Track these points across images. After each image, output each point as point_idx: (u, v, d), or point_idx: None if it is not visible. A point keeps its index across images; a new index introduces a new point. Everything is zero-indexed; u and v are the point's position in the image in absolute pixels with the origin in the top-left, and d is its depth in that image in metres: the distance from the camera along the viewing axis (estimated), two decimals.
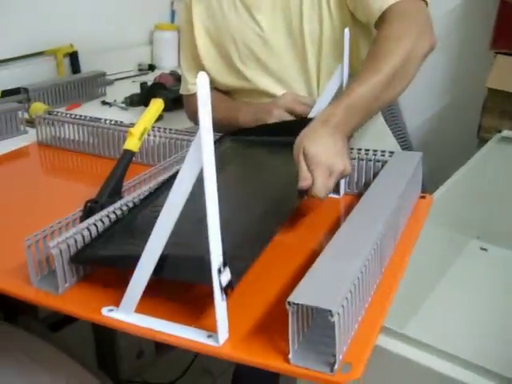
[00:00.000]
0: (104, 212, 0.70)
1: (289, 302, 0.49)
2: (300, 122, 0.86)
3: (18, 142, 1.16)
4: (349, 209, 0.85)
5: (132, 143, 0.77)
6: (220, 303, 0.52)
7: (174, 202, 0.51)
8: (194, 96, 1.13)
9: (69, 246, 0.64)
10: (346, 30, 0.79)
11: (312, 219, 0.81)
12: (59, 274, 0.63)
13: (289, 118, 0.96)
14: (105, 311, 0.61)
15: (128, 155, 0.77)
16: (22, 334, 0.99)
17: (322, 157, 0.73)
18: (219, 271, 0.51)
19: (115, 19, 1.80)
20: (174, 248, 0.58)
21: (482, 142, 1.42)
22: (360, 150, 0.87)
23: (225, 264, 0.52)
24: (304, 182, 0.74)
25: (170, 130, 1.00)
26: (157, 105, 0.81)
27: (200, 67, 1.10)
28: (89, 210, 0.72)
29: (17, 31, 1.55)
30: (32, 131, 1.18)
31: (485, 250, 1.35)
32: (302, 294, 0.50)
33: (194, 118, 1.19)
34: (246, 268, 0.60)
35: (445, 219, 1.13)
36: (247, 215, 0.74)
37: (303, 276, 0.53)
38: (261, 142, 0.96)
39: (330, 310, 0.47)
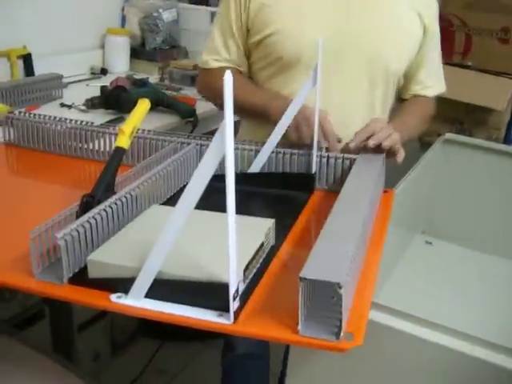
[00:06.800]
0: (101, 206, 0.73)
1: (300, 278, 0.55)
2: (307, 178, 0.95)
3: None
4: (323, 202, 0.94)
5: (123, 141, 0.80)
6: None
7: (196, 183, 0.55)
8: (211, 71, 1.14)
9: (73, 238, 0.67)
10: (320, 39, 0.86)
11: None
12: (65, 265, 0.66)
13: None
14: (114, 298, 0.64)
15: (120, 152, 0.80)
16: None
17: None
18: (234, 298, 0.57)
19: (67, 22, 1.79)
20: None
21: (424, 144, 1.54)
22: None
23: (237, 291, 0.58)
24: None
25: (148, 130, 1.03)
26: (144, 104, 0.84)
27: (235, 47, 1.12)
28: (85, 204, 0.74)
29: None
30: None
31: (430, 243, 1.46)
32: (311, 271, 0.55)
33: (206, 91, 1.21)
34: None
35: (392, 216, 1.23)
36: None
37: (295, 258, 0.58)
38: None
39: (338, 283, 0.54)
